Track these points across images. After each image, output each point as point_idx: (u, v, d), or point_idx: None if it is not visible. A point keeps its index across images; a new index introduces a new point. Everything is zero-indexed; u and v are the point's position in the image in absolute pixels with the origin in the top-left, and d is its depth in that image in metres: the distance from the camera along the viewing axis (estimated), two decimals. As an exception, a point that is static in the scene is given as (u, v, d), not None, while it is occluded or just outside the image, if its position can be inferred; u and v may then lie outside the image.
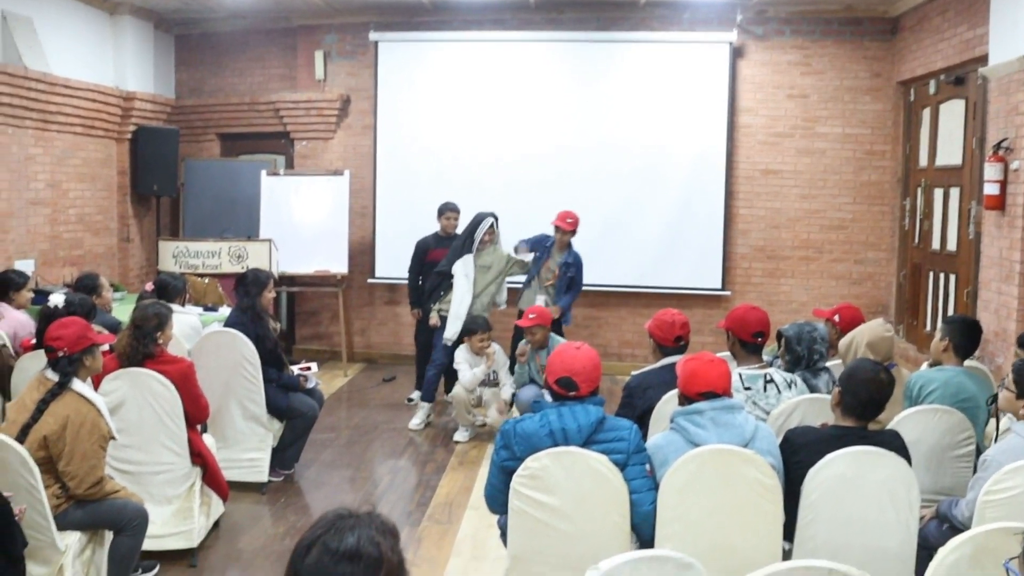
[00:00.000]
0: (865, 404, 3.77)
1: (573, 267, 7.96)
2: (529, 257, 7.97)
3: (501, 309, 8.35)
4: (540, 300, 7.82)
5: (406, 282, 9.15)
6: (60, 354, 4.11)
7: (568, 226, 7.89)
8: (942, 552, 2.86)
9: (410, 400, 8.49)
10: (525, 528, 3.61)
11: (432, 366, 7.82)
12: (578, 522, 3.58)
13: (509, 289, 8.25)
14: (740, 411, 3.72)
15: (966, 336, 4.89)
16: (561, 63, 9.75)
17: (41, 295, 6.41)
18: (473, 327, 7.36)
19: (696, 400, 3.69)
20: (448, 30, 9.84)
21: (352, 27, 10.02)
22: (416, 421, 7.80)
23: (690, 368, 3.72)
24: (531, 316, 7.13)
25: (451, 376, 7.68)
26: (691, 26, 9.53)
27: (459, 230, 8.01)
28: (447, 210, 8.31)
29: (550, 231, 8.04)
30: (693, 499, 3.55)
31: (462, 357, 7.37)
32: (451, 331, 7.60)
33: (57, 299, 5.30)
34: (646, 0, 9.17)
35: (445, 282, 7.75)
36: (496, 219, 7.75)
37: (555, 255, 7.96)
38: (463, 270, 7.64)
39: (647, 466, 3.64)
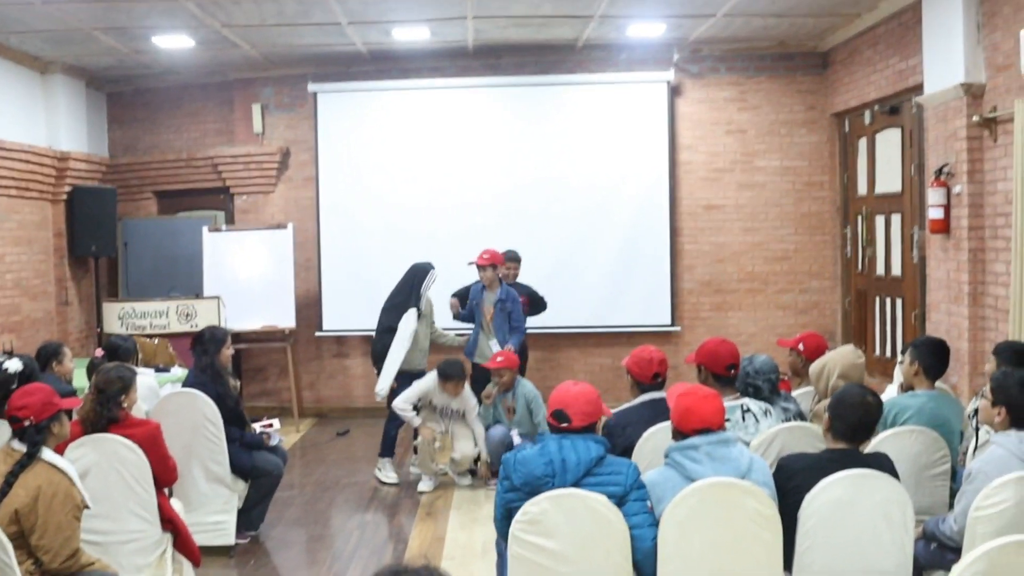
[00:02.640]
0: (855, 428, 3.82)
1: (508, 302, 7.76)
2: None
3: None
4: (493, 345, 7.74)
5: (355, 334, 9.00)
6: (26, 423, 3.93)
7: (483, 261, 7.70)
8: (957, 568, 2.88)
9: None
10: (526, 574, 3.54)
11: (392, 424, 7.59)
12: (580, 564, 3.51)
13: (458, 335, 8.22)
14: (735, 444, 3.71)
15: (935, 356, 4.97)
16: (502, 108, 9.79)
17: None
18: (452, 373, 7.17)
19: (690, 435, 3.68)
20: (387, 79, 9.82)
21: (289, 79, 9.94)
22: (391, 477, 7.57)
23: (685, 404, 3.70)
24: (499, 359, 7.14)
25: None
26: (628, 66, 9.66)
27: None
28: (508, 260, 8.25)
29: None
30: (694, 534, 3.52)
31: (405, 398, 7.27)
32: (382, 385, 7.50)
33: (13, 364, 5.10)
34: (583, 43, 9.27)
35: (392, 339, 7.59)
36: (433, 268, 7.71)
37: (487, 296, 7.80)
38: (407, 325, 7.51)
39: (647, 503, 3.60)
